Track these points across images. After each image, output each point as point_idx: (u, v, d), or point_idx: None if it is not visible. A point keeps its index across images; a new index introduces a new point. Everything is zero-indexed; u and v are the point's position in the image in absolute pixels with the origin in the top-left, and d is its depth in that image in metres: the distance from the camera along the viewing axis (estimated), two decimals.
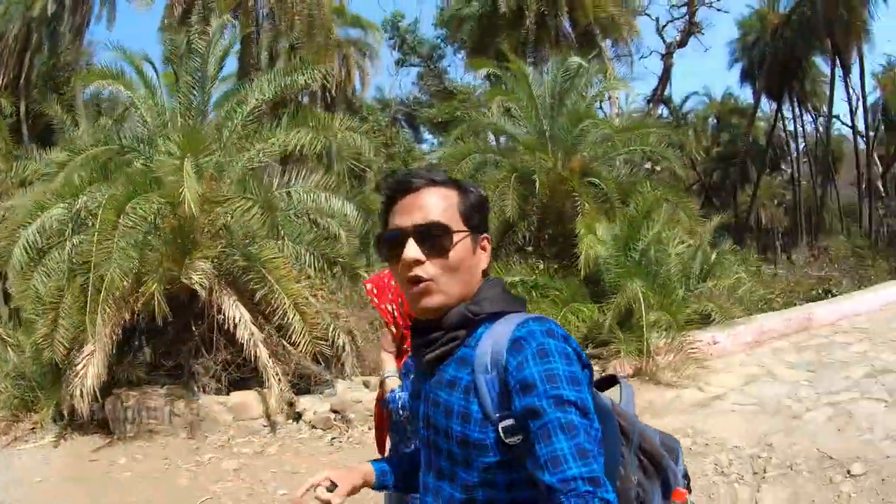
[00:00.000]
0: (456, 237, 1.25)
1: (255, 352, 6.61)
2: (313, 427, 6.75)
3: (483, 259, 1.33)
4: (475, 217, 1.30)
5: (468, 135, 12.74)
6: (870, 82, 26.18)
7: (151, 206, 6.44)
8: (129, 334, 7.06)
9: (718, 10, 28.01)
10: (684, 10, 23.44)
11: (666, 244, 9.71)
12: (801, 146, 32.36)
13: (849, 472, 4.45)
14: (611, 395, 1.40)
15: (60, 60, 19.19)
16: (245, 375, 7.23)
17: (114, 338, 6.33)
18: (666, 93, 27.25)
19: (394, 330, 2.58)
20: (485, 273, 1.34)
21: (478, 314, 1.25)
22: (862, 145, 26.79)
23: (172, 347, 7.39)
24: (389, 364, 2.59)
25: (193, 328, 7.28)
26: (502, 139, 14.42)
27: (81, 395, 5.90)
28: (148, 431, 6.53)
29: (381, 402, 2.66)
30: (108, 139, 7.52)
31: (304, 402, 7.01)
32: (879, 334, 8.85)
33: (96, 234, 5.99)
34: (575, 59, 12.79)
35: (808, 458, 4.75)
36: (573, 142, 10.80)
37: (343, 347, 7.58)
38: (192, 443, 6.32)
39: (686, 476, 1.40)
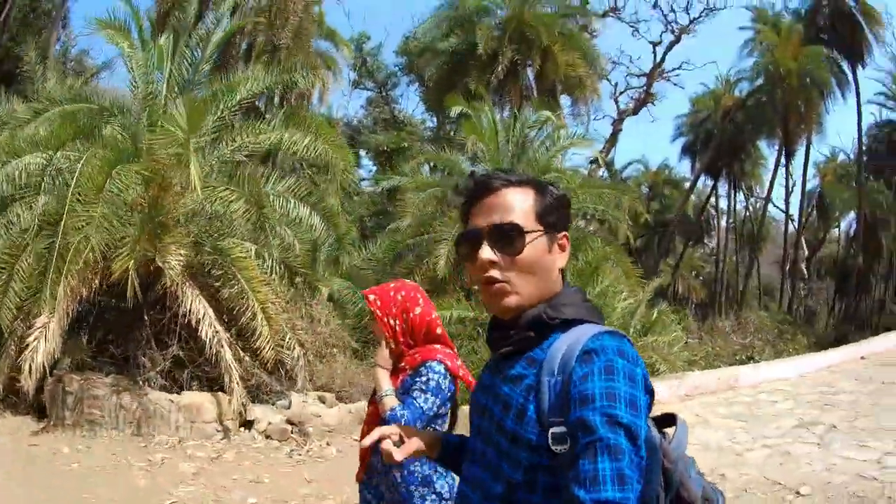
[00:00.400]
0: (529, 237, 1.26)
1: (218, 351, 6.24)
2: (268, 437, 6.45)
3: (561, 258, 1.33)
4: (552, 215, 1.31)
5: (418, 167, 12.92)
6: (810, 170, 28.28)
7: (131, 177, 6.05)
8: (79, 313, 6.53)
9: (675, 84, 29.28)
10: (643, 80, 24.67)
11: (612, 298, 10.25)
12: (730, 223, 34.45)
13: (798, 492, 4.92)
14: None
15: (42, 6, 17.80)
16: (198, 374, 6.84)
17: (70, 313, 5.84)
18: (608, 156, 28.41)
19: (392, 346, 2.45)
20: (561, 271, 1.34)
21: (554, 318, 1.25)
22: (792, 228, 28.73)
23: (121, 334, 6.91)
24: (385, 381, 2.43)
25: (146, 317, 6.83)
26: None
27: (30, 372, 5.37)
28: (89, 421, 6.00)
29: (381, 419, 2.38)
30: (87, 97, 7.04)
31: (257, 411, 6.68)
32: (802, 395, 9.55)
33: (73, 194, 5.54)
34: (544, 113, 13.39)
35: (759, 484, 5.16)
36: None
37: (297, 360, 7.31)
38: (139, 440, 5.87)
39: None
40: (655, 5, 23.80)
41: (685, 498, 1.26)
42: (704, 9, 23.39)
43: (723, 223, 35.50)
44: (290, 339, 7.16)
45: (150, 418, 6.13)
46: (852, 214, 28.93)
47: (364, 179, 24.86)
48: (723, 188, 31.79)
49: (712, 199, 32.02)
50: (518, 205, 1.28)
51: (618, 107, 25.47)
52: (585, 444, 1.08)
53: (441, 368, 2.35)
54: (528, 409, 1.18)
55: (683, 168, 33.53)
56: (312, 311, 9.59)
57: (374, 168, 24.20)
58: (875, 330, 20.35)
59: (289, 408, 6.85)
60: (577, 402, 1.12)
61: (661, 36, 24.38)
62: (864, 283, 27.62)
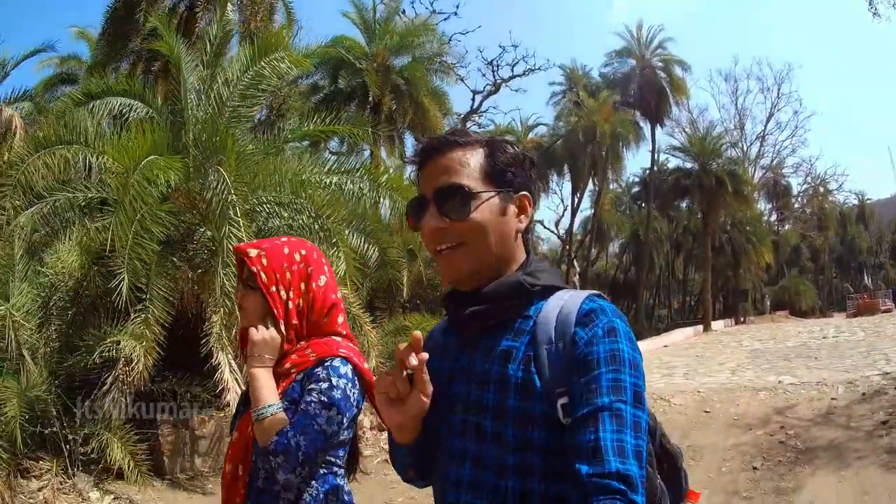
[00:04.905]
0: (477, 199, 1.17)
1: None
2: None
3: (520, 220, 1.23)
4: (506, 174, 1.20)
5: None
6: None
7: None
8: None
9: (480, 125, 33.50)
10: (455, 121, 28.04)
11: None
12: None
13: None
14: None
15: None
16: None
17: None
18: None
19: (283, 330, 1.73)
20: (521, 234, 1.24)
21: (534, 285, 1.18)
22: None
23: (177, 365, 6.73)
24: (270, 389, 1.67)
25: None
26: None
27: None
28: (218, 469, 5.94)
29: (263, 450, 1.64)
30: None
31: None
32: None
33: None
34: None
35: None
36: None
37: None
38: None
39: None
40: (490, 63, 27.26)
41: (668, 449, 1.28)
42: (527, 69, 27.44)
43: None
44: None
45: None
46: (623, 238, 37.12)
47: None
48: None
49: None
50: (464, 165, 1.19)
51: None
52: (587, 412, 1.03)
53: (348, 370, 1.70)
54: (533, 383, 1.09)
55: None
56: None
57: None
58: (647, 331, 27.00)
59: None
60: (582, 367, 1.06)
61: (484, 87, 27.80)
62: (635, 293, 34.90)
